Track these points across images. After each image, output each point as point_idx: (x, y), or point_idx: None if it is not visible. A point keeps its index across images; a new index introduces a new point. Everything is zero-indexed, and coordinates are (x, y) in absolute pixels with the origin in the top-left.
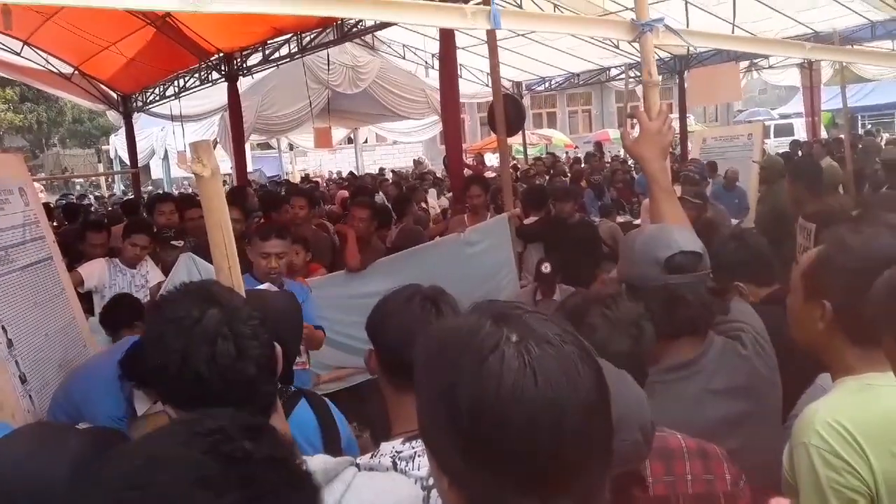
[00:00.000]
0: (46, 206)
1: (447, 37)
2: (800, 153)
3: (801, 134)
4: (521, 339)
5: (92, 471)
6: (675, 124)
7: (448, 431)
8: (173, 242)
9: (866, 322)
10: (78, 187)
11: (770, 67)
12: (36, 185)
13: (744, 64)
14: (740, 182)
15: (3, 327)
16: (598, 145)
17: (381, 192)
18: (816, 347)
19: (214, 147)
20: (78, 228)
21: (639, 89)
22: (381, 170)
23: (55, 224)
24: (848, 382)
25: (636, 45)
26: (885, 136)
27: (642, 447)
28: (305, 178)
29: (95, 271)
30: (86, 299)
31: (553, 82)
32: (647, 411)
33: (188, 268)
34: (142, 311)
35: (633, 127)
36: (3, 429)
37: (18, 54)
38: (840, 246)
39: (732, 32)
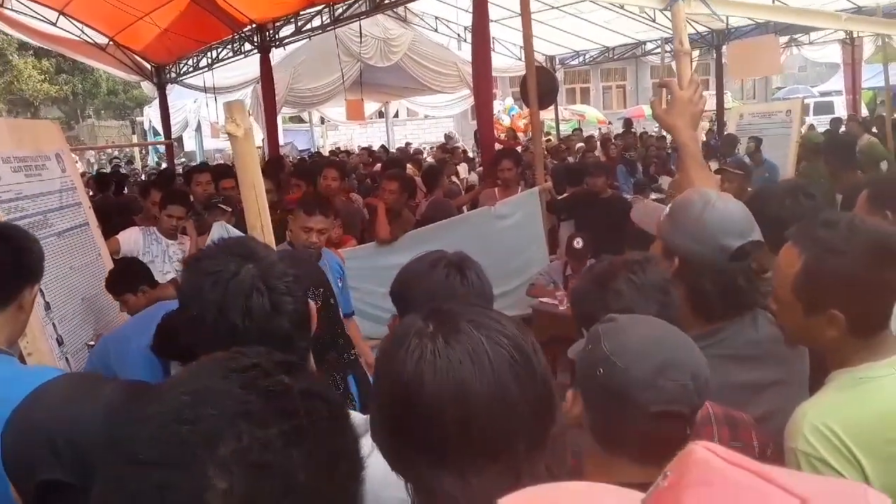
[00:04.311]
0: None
1: (480, 9)
2: (842, 129)
3: (841, 112)
4: (435, 332)
5: (125, 414)
6: (712, 100)
7: (378, 413)
8: (221, 206)
9: (873, 315)
10: (100, 158)
11: (811, 44)
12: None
13: (783, 40)
14: (774, 158)
15: (41, 290)
16: (628, 122)
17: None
18: (818, 346)
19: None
20: (161, 198)
21: (674, 63)
22: (408, 144)
23: (90, 193)
24: (841, 378)
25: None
26: None
27: (692, 393)
28: (333, 152)
29: (130, 238)
30: None
31: (587, 56)
32: (703, 364)
33: (220, 236)
34: (148, 276)
35: (665, 97)
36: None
37: (54, 24)
38: (824, 249)
39: (773, 3)
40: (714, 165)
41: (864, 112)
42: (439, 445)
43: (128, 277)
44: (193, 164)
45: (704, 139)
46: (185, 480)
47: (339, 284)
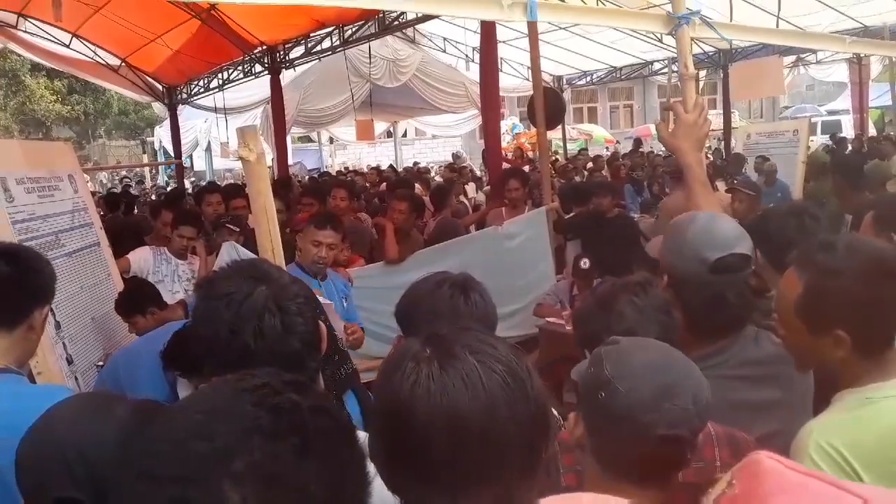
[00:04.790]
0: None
1: (488, 30)
2: (850, 148)
3: (848, 131)
4: (431, 357)
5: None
6: (719, 119)
7: (375, 434)
8: (229, 226)
9: (876, 333)
10: (113, 178)
11: (818, 63)
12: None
13: (790, 59)
14: (783, 177)
15: (52, 309)
16: (637, 141)
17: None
18: (828, 368)
19: None
20: (173, 219)
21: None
22: (416, 164)
23: (100, 213)
24: (848, 397)
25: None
26: None
27: (693, 417)
28: (340, 172)
29: (140, 258)
30: None
31: (595, 76)
32: (704, 387)
33: (231, 256)
34: (157, 298)
35: (671, 120)
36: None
37: (67, 46)
38: (825, 271)
39: (777, 26)
40: (721, 185)
41: (872, 131)
42: (432, 468)
43: (137, 299)
44: (203, 183)
45: (710, 159)
46: (200, 494)
47: (345, 304)
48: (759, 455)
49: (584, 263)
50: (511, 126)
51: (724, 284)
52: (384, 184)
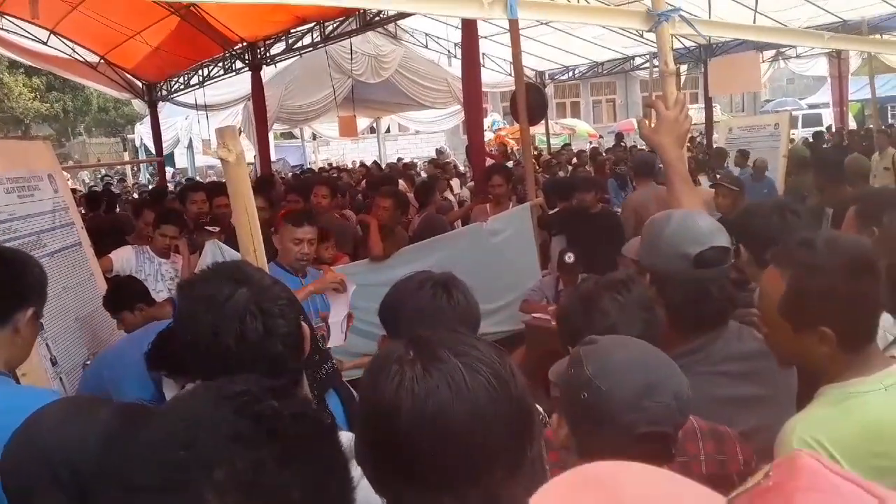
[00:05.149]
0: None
1: (469, 26)
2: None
3: (829, 124)
4: (414, 359)
5: (121, 438)
6: (700, 114)
7: (360, 437)
8: (208, 227)
9: (859, 328)
10: (94, 176)
11: (797, 57)
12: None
13: (770, 53)
14: (768, 172)
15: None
16: (619, 136)
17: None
18: (810, 365)
19: (239, 135)
20: (155, 218)
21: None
22: (399, 160)
23: (82, 211)
24: (829, 393)
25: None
26: None
27: (674, 413)
28: (323, 169)
29: (123, 257)
30: None
31: (577, 71)
32: (684, 383)
33: (214, 255)
34: (145, 295)
35: (652, 117)
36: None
37: (45, 43)
38: (806, 268)
39: (755, 21)
40: (704, 179)
41: (852, 124)
42: (419, 470)
43: (125, 295)
44: (186, 180)
45: (692, 153)
46: (182, 503)
47: (327, 300)
48: (800, 452)
49: (569, 258)
50: (491, 122)
51: (706, 279)
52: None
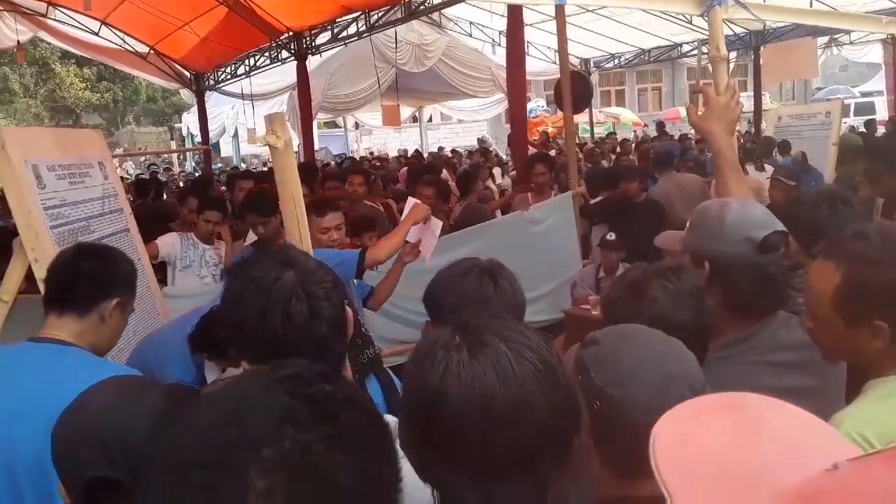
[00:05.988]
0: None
1: (515, 13)
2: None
3: (882, 113)
4: (461, 344)
5: (170, 419)
6: (749, 102)
7: (405, 423)
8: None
9: None
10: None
11: (851, 44)
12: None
13: (823, 40)
14: (814, 161)
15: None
16: (661, 125)
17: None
18: (859, 360)
19: None
20: (198, 205)
21: (710, 66)
22: (440, 149)
23: (130, 199)
24: (877, 388)
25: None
26: None
27: None
28: (364, 158)
29: (168, 243)
30: (160, 270)
31: (622, 59)
32: (697, 370)
33: None
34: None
35: (701, 103)
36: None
37: (97, 34)
38: (862, 261)
39: (811, 6)
40: (751, 169)
41: None
42: (464, 457)
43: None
44: (231, 168)
45: (741, 142)
46: (227, 481)
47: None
48: None
49: (611, 236)
50: (529, 110)
51: (771, 263)
52: (404, 168)
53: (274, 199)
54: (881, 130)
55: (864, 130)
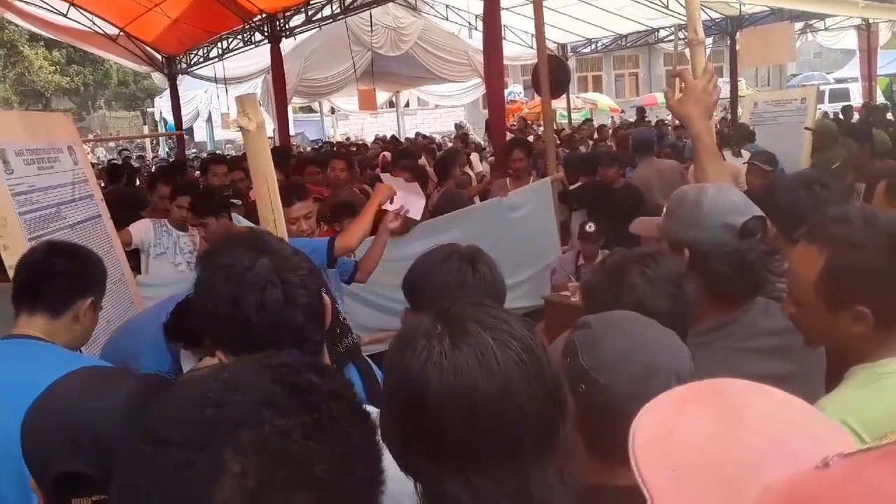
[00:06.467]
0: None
1: None
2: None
3: (857, 99)
4: (443, 333)
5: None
6: (726, 88)
7: (386, 413)
8: (233, 201)
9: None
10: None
11: (826, 30)
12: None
13: (799, 26)
14: (790, 147)
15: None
16: (641, 110)
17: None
18: (841, 345)
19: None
20: (171, 190)
21: (688, 51)
22: (418, 134)
23: (101, 184)
24: (860, 373)
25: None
26: None
27: None
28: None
29: (141, 230)
30: (133, 258)
31: (599, 44)
32: (685, 361)
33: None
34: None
35: (678, 87)
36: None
37: (65, 15)
38: (845, 245)
39: None
40: (727, 155)
41: (881, 98)
42: (445, 448)
43: (216, 202)
44: (205, 154)
45: (718, 128)
46: (202, 460)
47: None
48: None
49: (590, 227)
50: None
51: (749, 249)
52: (384, 153)
53: (217, 200)
54: (856, 117)
55: (840, 116)
